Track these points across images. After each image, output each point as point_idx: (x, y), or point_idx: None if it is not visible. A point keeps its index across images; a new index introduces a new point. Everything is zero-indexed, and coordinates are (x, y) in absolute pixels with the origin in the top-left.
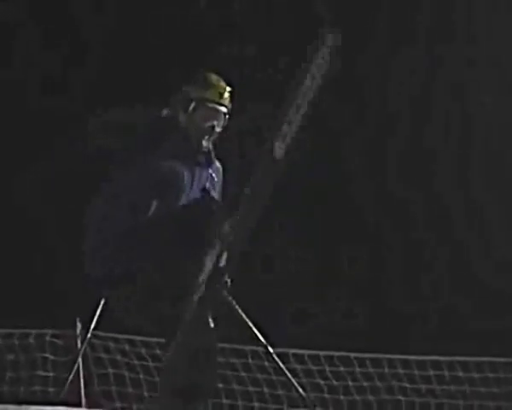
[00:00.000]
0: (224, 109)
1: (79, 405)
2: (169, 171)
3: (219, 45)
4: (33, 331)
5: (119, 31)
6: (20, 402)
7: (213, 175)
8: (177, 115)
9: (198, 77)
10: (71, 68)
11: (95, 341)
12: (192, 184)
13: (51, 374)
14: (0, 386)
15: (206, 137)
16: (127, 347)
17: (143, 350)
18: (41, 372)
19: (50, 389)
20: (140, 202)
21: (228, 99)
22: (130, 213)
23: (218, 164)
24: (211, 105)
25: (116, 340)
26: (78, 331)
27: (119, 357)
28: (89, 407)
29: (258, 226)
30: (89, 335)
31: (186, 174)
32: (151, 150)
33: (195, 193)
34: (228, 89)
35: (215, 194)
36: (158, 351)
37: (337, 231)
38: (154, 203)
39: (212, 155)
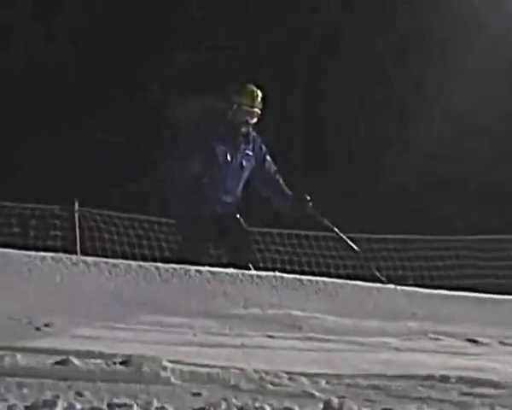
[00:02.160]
0: (256, 110)
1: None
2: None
3: None
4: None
5: None
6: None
7: (248, 151)
8: (227, 112)
9: (240, 87)
10: None
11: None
12: (232, 155)
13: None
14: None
15: (243, 127)
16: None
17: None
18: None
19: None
20: (201, 164)
21: (259, 102)
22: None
23: (256, 141)
24: (246, 108)
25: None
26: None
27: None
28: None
29: None
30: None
31: (224, 151)
32: (209, 132)
33: (235, 160)
34: (260, 95)
35: (248, 164)
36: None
37: None
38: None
39: (250, 137)
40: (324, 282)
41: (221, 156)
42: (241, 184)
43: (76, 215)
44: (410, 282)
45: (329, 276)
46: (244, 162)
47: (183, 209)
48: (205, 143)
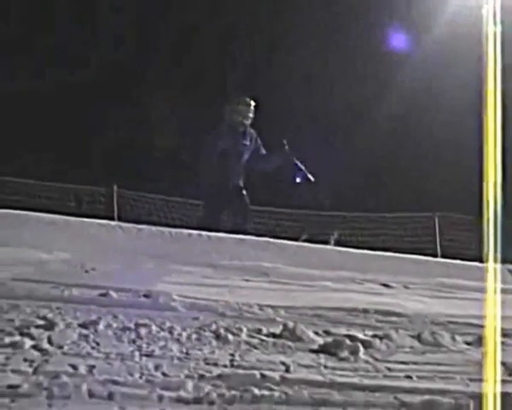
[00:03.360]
0: (249, 115)
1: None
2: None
3: None
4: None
5: None
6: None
7: (246, 142)
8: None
9: (239, 99)
10: None
11: None
12: (234, 147)
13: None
14: None
15: (241, 126)
16: None
17: None
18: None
19: None
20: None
21: (251, 109)
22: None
23: (252, 135)
24: (243, 112)
25: None
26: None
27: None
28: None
29: None
30: None
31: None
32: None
33: (236, 148)
34: (252, 104)
35: (247, 152)
36: None
37: None
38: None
39: (246, 131)
40: (286, 244)
41: (229, 149)
42: (242, 167)
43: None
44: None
45: (291, 240)
46: (243, 151)
47: (209, 188)
48: (218, 143)
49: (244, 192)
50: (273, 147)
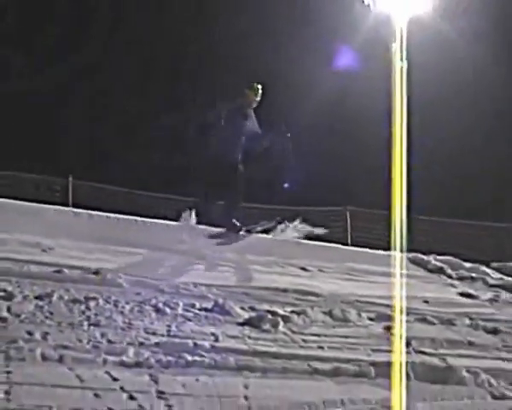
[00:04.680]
0: (257, 98)
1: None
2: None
3: None
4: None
5: None
6: None
7: (249, 124)
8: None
9: (248, 83)
10: None
11: None
12: (235, 120)
13: None
14: None
15: (248, 108)
16: None
17: None
18: None
19: None
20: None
21: (259, 93)
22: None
23: (252, 116)
24: (250, 96)
25: None
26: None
27: None
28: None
29: None
30: None
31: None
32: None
33: (237, 125)
34: (260, 88)
35: (246, 129)
36: None
37: None
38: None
39: (249, 113)
40: (221, 232)
41: (233, 126)
42: (243, 140)
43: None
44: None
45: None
46: (243, 131)
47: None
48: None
49: (241, 168)
50: (269, 125)
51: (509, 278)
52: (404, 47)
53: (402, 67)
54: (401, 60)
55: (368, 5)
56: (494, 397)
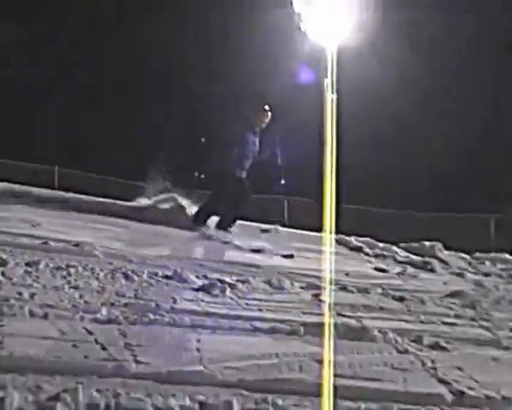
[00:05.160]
0: (266, 120)
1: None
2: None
3: None
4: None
5: None
6: None
7: (256, 140)
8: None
9: (260, 106)
10: None
11: None
12: (248, 139)
13: None
14: None
15: (257, 127)
16: None
17: None
18: None
19: None
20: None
21: (268, 115)
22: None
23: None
24: (260, 117)
25: None
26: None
27: None
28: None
29: None
30: None
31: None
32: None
33: (250, 143)
34: (269, 110)
35: (254, 148)
36: None
37: None
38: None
39: (258, 132)
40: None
41: (243, 143)
42: (251, 158)
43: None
44: None
45: None
46: (252, 146)
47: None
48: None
49: (245, 181)
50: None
51: (414, 256)
52: (335, 79)
53: (332, 99)
54: (332, 92)
55: (304, 32)
56: (399, 352)
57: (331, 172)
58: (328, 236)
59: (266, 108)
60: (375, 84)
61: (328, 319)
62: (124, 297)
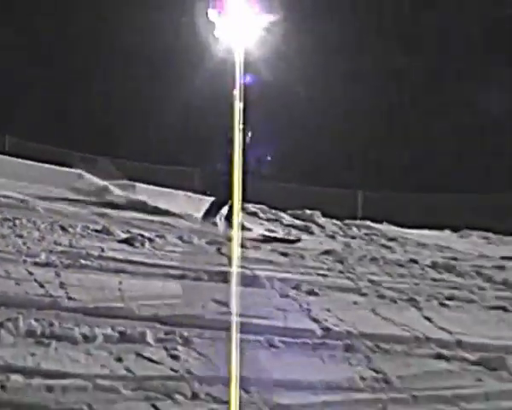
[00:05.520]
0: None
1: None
2: None
3: None
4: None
5: None
6: None
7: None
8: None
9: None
10: None
11: None
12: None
13: None
14: None
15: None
16: None
17: None
18: None
19: None
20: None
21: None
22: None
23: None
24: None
25: None
26: None
27: None
28: None
29: None
30: None
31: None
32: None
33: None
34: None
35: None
36: None
37: None
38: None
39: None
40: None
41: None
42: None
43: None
44: None
45: None
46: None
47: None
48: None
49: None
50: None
51: (297, 221)
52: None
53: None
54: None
55: (218, 38)
56: (281, 296)
57: (238, 158)
58: (237, 205)
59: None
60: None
61: (234, 269)
62: (60, 245)
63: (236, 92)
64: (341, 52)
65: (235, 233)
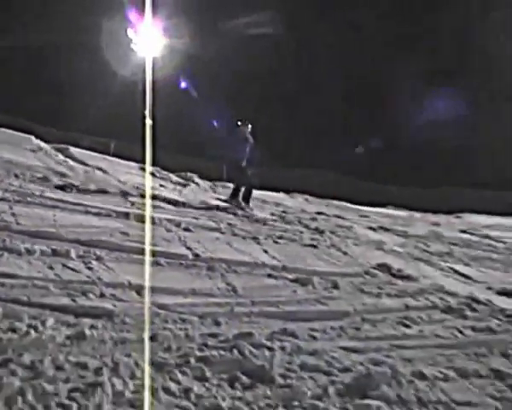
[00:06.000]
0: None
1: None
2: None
3: None
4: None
5: None
6: None
7: (247, 145)
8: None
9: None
10: None
11: None
12: (242, 145)
13: None
14: None
15: (246, 134)
16: None
17: None
18: None
19: None
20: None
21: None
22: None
23: (251, 140)
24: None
25: None
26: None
27: None
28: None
29: None
30: None
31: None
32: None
33: (242, 148)
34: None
35: (247, 151)
36: None
37: None
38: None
39: (249, 138)
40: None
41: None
42: (245, 155)
43: None
44: None
45: None
46: (246, 148)
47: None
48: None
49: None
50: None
51: (181, 180)
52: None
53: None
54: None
55: (133, 49)
56: (167, 230)
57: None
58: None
59: (247, 123)
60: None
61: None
62: (13, 187)
63: (148, 85)
64: None
65: (147, 188)
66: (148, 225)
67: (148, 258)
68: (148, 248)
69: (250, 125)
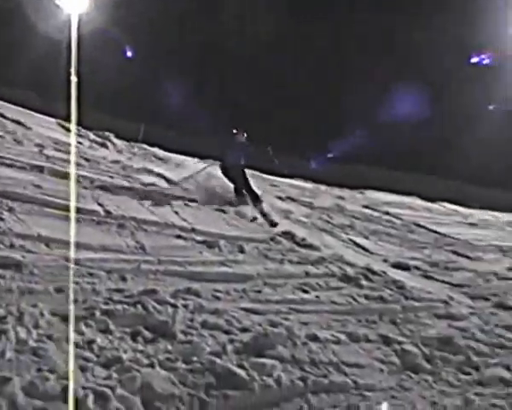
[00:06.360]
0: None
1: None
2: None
3: None
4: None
5: None
6: None
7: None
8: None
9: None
10: None
11: None
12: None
13: None
14: None
15: (242, 140)
16: None
17: None
18: None
19: None
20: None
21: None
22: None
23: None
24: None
25: None
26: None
27: None
28: None
29: None
30: None
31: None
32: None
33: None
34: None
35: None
36: None
37: None
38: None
39: (245, 143)
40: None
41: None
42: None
43: None
44: None
45: None
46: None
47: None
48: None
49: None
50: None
51: (98, 138)
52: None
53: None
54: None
55: (58, 5)
56: (82, 188)
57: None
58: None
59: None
60: None
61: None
62: None
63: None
64: None
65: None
66: (72, 183)
67: (73, 214)
68: (73, 204)
69: (245, 134)
